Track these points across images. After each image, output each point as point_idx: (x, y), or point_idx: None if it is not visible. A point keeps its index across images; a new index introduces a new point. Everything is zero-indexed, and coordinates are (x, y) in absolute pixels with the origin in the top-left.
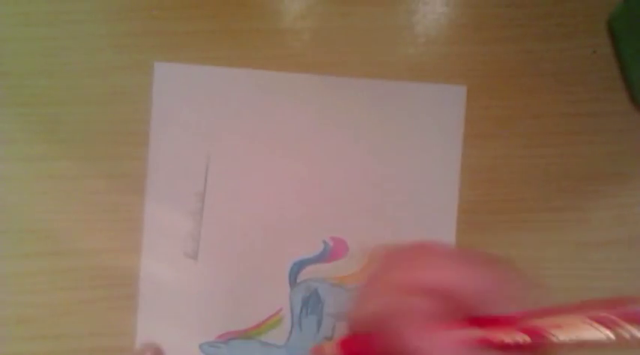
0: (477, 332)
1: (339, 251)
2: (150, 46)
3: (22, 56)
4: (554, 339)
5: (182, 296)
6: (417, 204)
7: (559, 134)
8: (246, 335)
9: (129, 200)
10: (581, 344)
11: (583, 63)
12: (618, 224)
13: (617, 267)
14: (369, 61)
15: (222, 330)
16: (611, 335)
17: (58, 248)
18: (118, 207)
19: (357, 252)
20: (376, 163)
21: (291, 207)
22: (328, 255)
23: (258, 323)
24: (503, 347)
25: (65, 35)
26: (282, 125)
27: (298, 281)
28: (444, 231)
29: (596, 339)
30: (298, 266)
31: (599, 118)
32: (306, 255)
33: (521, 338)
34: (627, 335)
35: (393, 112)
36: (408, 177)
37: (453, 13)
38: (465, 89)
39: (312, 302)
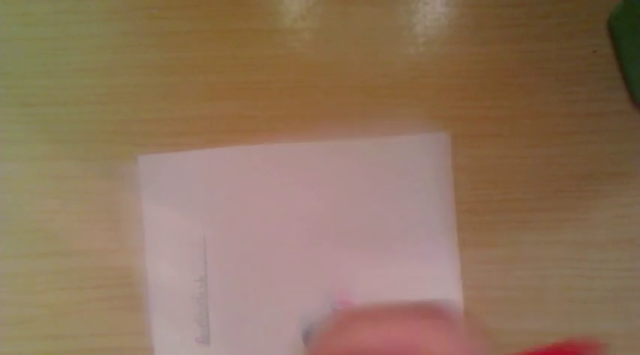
0: None
1: (345, 304)
2: (150, 46)
3: (22, 56)
4: None
5: None
6: (417, 250)
7: (559, 134)
8: None
9: (129, 200)
10: None
11: (583, 63)
12: (618, 224)
13: (617, 267)
14: (369, 61)
15: None
16: None
17: (58, 248)
18: (118, 207)
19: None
20: (372, 217)
21: (295, 272)
22: (335, 309)
23: None
24: None
25: (65, 35)
26: (272, 195)
27: (311, 337)
28: (446, 272)
29: None
30: (308, 326)
31: (599, 118)
32: (317, 315)
33: None
34: None
35: (382, 168)
36: (405, 225)
37: (453, 13)
38: (449, 136)
39: None
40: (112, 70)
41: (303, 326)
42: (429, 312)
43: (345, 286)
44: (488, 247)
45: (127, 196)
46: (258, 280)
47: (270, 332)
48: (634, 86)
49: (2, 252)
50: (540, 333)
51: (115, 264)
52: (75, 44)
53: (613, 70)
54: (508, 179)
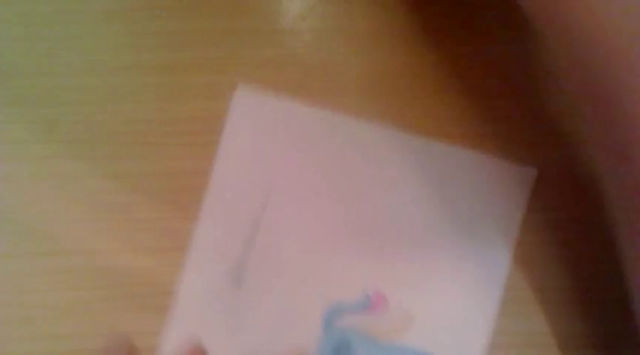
0: None
1: (378, 305)
2: (150, 46)
3: (22, 56)
4: None
5: (215, 320)
6: (463, 271)
7: (559, 134)
8: None
9: (129, 200)
10: None
11: None
12: None
13: (618, 267)
14: (369, 62)
15: None
16: None
17: (58, 248)
18: (118, 207)
19: (396, 310)
20: (428, 225)
21: (339, 251)
22: (367, 306)
23: None
24: None
25: (65, 35)
26: (341, 170)
27: (332, 326)
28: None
29: None
30: (335, 311)
31: None
32: (345, 301)
33: None
34: None
35: (452, 180)
36: (458, 243)
37: (453, 14)
38: (536, 172)
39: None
40: (112, 70)
41: (328, 310)
42: None
43: (382, 283)
44: None
45: (127, 196)
46: (304, 242)
47: (297, 295)
48: None
49: (2, 252)
50: (540, 333)
51: (115, 264)
52: (75, 44)
53: None
54: None
